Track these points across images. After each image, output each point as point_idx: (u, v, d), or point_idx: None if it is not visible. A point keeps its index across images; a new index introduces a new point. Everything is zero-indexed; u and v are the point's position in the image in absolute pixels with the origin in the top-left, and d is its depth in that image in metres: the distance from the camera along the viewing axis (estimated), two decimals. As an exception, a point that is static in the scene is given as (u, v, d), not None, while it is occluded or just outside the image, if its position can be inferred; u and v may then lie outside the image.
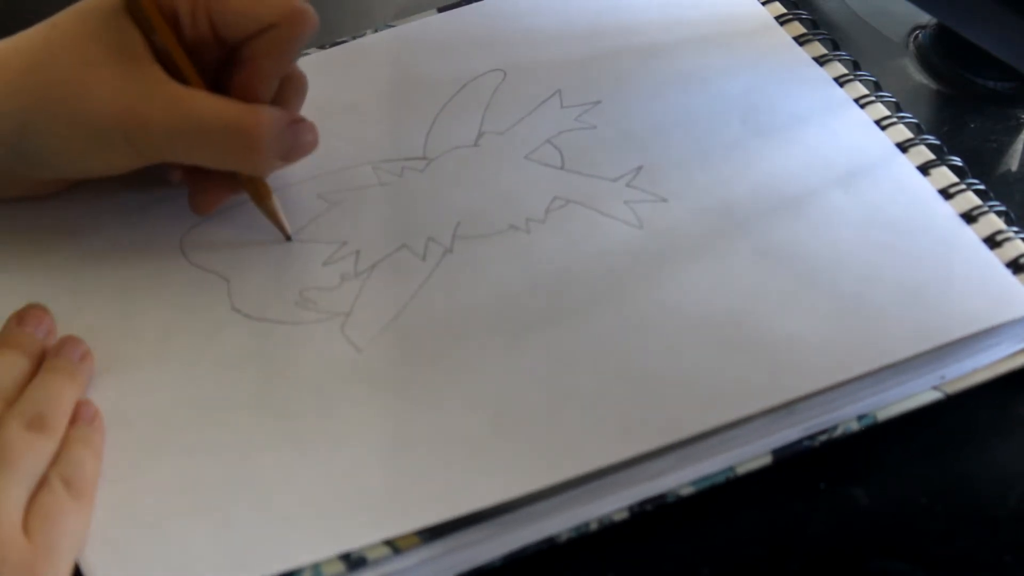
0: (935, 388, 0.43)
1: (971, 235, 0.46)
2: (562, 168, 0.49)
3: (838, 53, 0.53)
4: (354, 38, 0.55)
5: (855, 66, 0.52)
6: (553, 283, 0.45)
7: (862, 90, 0.51)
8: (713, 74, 0.52)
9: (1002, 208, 0.47)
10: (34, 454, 0.38)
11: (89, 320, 0.44)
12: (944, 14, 0.53)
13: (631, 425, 0.40)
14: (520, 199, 0.48)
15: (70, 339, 0.43)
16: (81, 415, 0.41)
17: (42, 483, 0.38)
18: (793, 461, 0.42)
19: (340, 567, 0.38)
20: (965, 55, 0.55)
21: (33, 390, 0.40)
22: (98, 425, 0.41)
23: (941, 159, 0.48)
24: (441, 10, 0.56)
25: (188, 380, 0.43)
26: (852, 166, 0.48)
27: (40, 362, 0.42)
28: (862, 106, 0.51)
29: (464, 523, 0.38)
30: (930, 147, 0.49)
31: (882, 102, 0.51)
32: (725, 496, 0.41)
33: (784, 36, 0.54)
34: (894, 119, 0.50)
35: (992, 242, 0.45)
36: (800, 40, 0.54)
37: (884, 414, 0.42)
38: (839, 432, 0.42)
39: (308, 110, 0.47)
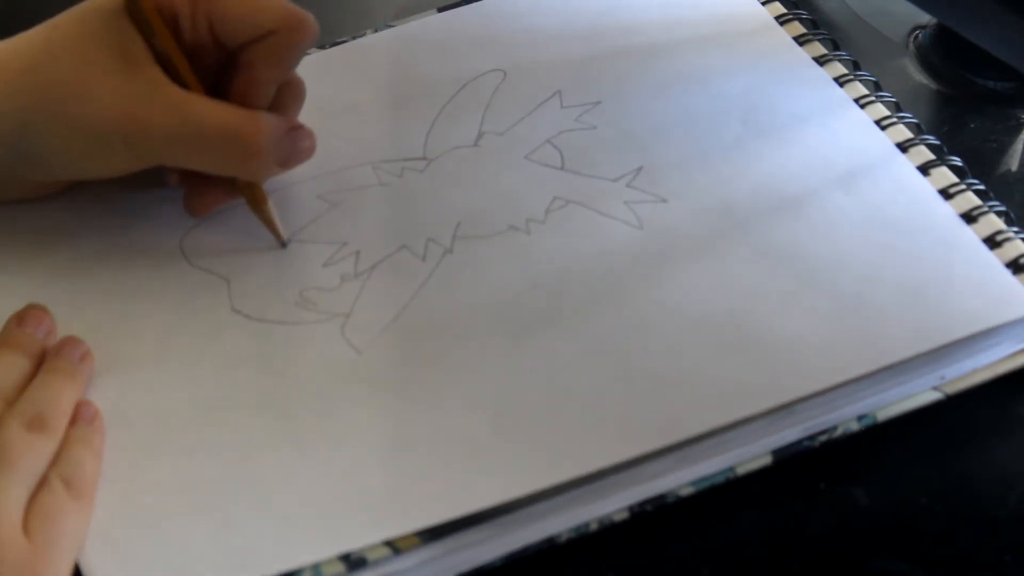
0: (935, 388, 0.43)
1: (971, 235, 0.46)
2: (562, 168, 0.49)
3: (838, 53, 0.53)
4: (354, 38, 0.55)
5: (855, 66, 0.52)
6: (553, 283, 0.45)
7: (862, 90, 0.51)
8: (713, 74, 0.52)
9: (1002, 208, 0.47)
10: (34, 454, 0.38)
11: (89, 320, 0.44)
12: (944, 14, 0.53)
13: (631, 425, 0.40)
14: (520, 199, 0.48)
15: (70, 339, 0.43)
16: (81, 415, 0.41)
17: (42, 483, 0.38)
18: (793, 461, 0.42)
19: (340, 567, 0.38)
20: (965, 55, 0.55)
21: (33, 390, 0.40)
22: (98, 425, 0.41)
23: (941, 159, 0.48)
24: (441, 10, 0.56)
25: (188, 380, 0.43)
26: (852, 166, 0.48)
27: (40, 362, 0.42)
28: (862, 106, 0.51)
29: (464, 523, 0.38)
30: (930, 147, 0.49)
31: (882, 102, 0.51)
32: (725, 496, 0.41)
33: (784, 36, 0.54)
34: (894, 119, 0.50)
35: (992, 242, 0.45)
36: (800, 40, 0.54)
37: (884, 414, 0.42)
38: (839, 432, 0.42)
39: (308, 110, 0.47)
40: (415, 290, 0.45)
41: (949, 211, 0.47)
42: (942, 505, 0.41)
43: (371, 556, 0.38)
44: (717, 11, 0.55)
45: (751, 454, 0.41)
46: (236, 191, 0.46)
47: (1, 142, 0.43)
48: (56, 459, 0.39)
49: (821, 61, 0.53)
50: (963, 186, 0.47)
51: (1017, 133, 0.53)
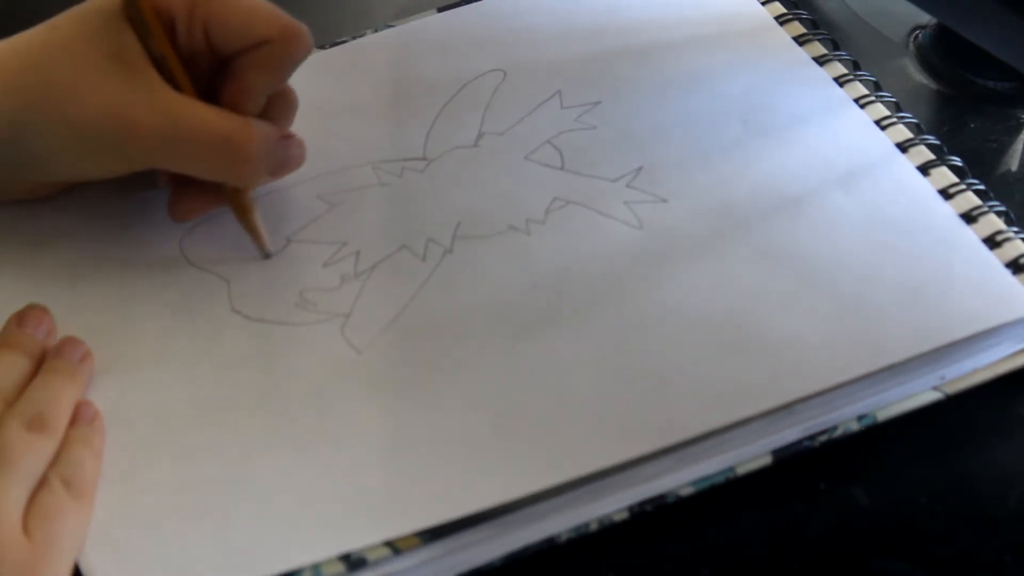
0: (935, 388, 0.43)
1: (971, 235, 0.46)
2: (562, 169, 0.49)
3: (838, 53, 0.53)
4: (354, 38, 0.55)
5: (855, 66, 0.52)
6: (553, 283, 0.45)
7: (862, 90, 0.51)
8: (713, 74, 0.52)
9: (1002, 208, 0.47)
10: (34, 454, 0.38)
11: (89, 321, 0.44)
12: (944, 14, 0.53)
13: (631, 426, 0.40)
14: (520, 199, 0.48)
15: (70, 340, 0.43)
16: (81, 415, 0.41)
17: (42, 483, 0.38)
18: (793, 461, 0.42)
19: (340, 567, 0.38)
20: (965, 55, 0.55)
21: (33, 391, 0.40)
22: (98, 425, 0.41)
23: (941, 159, 0.48)
24: (441, 10, 0.56)
25: (188, 380, 0.43)
26: (852, 166, 0.48)
27: (40, 363, 0.42)
28: (862, 106, 0.51)
29: (464, 524, 0.38)
30: (930, 147, 0.49)
31: (882, 102, 0.51)
32: (725, 496, 0.41)
33: (784, 36, 0.54)
34: (894, 119, 0.50)
35: (992, 242, 0.45)
36: (800, 40, 0.54)
37: (884, 414, 0.42)
38: (839, 432, 0.42)
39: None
40: (415, 290, 0.45)
41: (949, 211, 0.47)
42: (942, 505, 0.41)
43: (371, 556, 0.38)
44: (717, 11, 0.55)
45: (751, 454, 0.41)
46: (222, 199, 0.46)
47: (-3, 141, 0.43)
48: (56, 459, 0.39)
49: (821, 61, 0.53)
50: (963, 186, 0.47)
51: (1017, 133, 0.53)
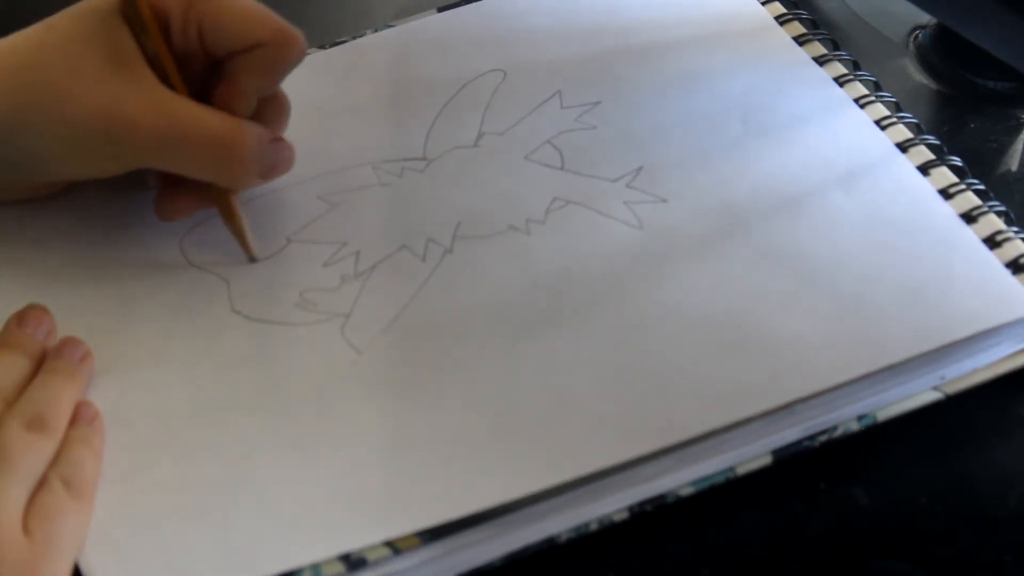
0: (935, 388, 0.43)
1: (971, 235, 0.46)
2: (562, 169, 0.49)
3: (838, 53, 0.53)
4: (354, 38, 0.55)
5: (855, 66, 0.52)
6: (553, 283, 0.45)
7: (862, 90, 0.51)
8: (713, 74, 0.52)
9: (1002, 208, 0.47)
10: (34, 454, 0.38)
11: (89, 321, 0.44)
12: (944, 14, 0.53)
13: (631, 426, 0.40)
14: (520, 200, 0.48)
15: (70, 340, 0.43)
16: (81, 416, 0.41)
17: (42, 483, 0.38)
18: (793, 461, 0.42)
19: (340, 567, 0.38)
20: (965, 55, 0.55)
21: (33, 391, 0.40)
22: (98, 425, 0.41)
23: (941, 159, 0.48)
24: (441, 10, 0.56)
25: (188, 380, 0.43)
26: (852, 166, 0.48)
27: (40, 363, 0.42)
28: (862, 106, 0.51)
29: (464, 524, 0.38)
30: (930, 147, 0.49)
31: (882, 102, 0.51)
32: (725, 496, 0.41)
33: (784, 36, 0.54)
34: (894, 119, 0.50)
35: (992, 242, 0.45)
36: (800, 40, 0.54)
37: (884, 414, 0.42)
38: (839, 432, 0.42)
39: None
40: (415, 290, 0.45)
41: (949, 211, 0.47)
42: (942, 505, 0.41)
43: (371, 556, 0.38)
44: (717, 11, 0.55)
45: (751, 454, 0.41)
46: (209, 200, 0.46)
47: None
48: (56, 459, 0.39)
49: (821, 61, 0.53)
50: (963, 186, 0.47)
51: (1017, 133, 0.53)
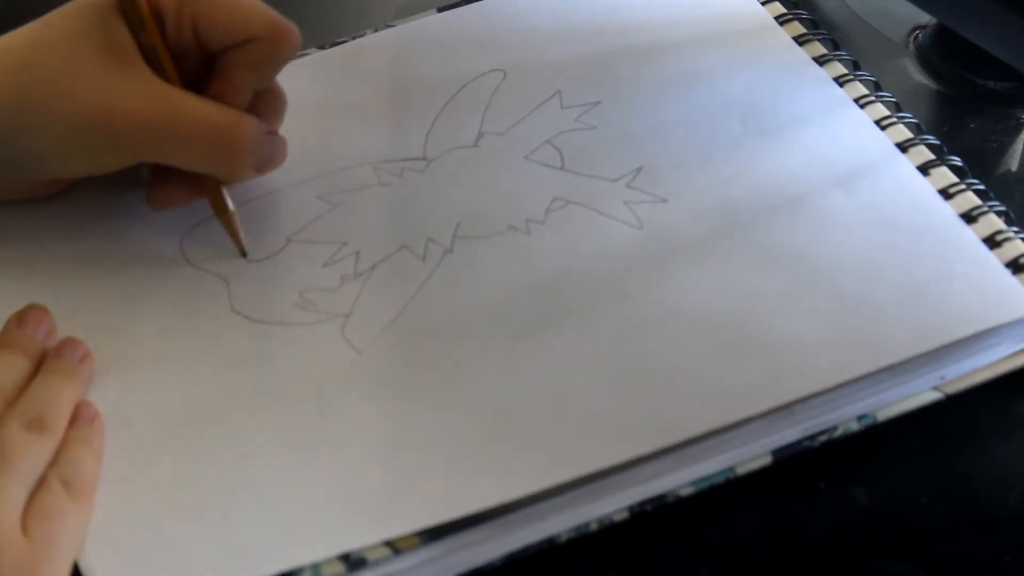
0: (935, 388, 0.43)
1: (971, 235, 0.46)
2: (562, 169, 0.49)
3: (838, 53, 0.53)
4: (354, 38, 0.55)
5: (855, 66, 0.52)
6: (553, 283, 0.45)
7: (862, 90, 0.51)
8: (713, 74, 0.52)
9: (1002, 208, 0.47)
10: (33, 454, 0.38)
11: (89, 321, 0.44)
12: (944, 14, 0.53)
13: (631, 426, 0.40)
14: (520, 200, 0.48)
15: (70, 340, 0.43)
16: (81, 416, 0.41)
17: (41, 483, 0.38)
18: (793, 461, 0.42)
19: (340, 567, 0.38)
20: (965, 55, 0.55)
21: (33, 391, 0.40)
22: (98, 426, 0.41)
23: (941, 159, 0.48)
24: (441, 10, 0.56)
25: (188, 381, 0.43)
26: (852, 166, 0.48)
27: (40, 363, 0.42)
28: (862, 106, 0.51)
29: (464, 524, 0.38)
30: (930, 147, 0.49)
31: (882, 102, 0.51)
32: (725, 496, 0.41)
33: (784, 36, 0.54)
34: (894, 119, 0.50)
35: (992, 242, 0.45)
36: (800, 40, 0.54)
37: (884, 414, 0.42)
38: (839, 432, 0.42)
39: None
40: (415, 290, 0.45)
41: (949, 211, 0.47)
42: (942, 505, 0.41)
43: (371, 556, 0.38)
44: (717, 11, 0.55)
45: (751, 454, 0.41)
46: (201, 191, 0.46)
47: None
48: (55, 459, 0.39)
49: (821, 61, 0.53)
50: (963, 186, 0.47)
51: (1017, 133, 0.53)
